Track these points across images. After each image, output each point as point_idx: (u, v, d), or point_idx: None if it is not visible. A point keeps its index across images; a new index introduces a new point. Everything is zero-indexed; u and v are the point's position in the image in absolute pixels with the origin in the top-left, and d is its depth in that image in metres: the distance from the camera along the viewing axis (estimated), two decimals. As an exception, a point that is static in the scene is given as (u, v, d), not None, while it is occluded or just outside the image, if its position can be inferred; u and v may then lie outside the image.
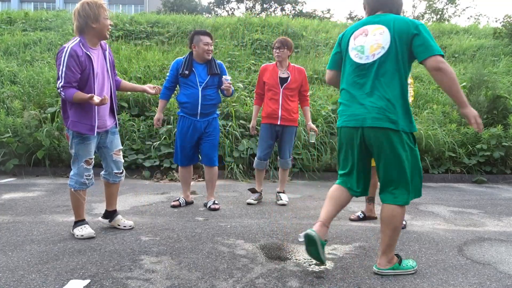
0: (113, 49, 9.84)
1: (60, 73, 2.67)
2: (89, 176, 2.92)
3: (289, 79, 4.06)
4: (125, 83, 3.17)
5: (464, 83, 7.95)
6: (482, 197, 5.08)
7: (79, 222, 2.96)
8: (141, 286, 2.11)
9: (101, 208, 3.86)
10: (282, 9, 34.11)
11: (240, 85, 7.40)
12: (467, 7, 39.49)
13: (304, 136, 6.18)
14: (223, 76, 3.78)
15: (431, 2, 28.14)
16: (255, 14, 24.83)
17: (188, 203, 4.06)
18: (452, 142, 6.50)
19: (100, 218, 3.22)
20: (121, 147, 3.13)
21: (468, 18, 38.10)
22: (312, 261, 2.54)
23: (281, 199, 4.22)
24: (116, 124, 3.06)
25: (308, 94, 4.32)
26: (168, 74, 3.93)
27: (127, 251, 2.64)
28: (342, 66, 2.48)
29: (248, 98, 7.14)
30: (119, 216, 3.18)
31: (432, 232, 3.31)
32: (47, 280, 2.15)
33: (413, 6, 35.74)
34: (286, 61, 4.13)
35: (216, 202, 3.97)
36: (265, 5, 33.98)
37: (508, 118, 6.76)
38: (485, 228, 3.52)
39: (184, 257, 2.55)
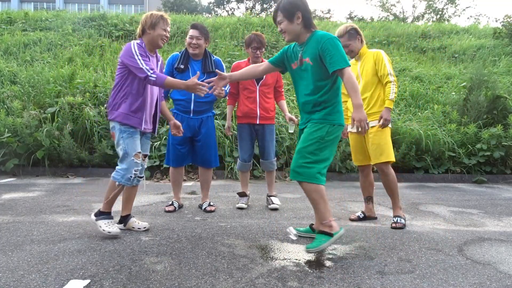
0: (113, 49, 9.85)
1: (139, 63, 2.79)
2: (138, 171, 2.92)
3: (264, 75, 3.84)
4: (163, 103, 3.32)
5: (464, 83, 7.96)
6: (482, 197, 5.08)
7: (106, 214, 2.94)
8: (141, 286, 2.11)
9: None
10: (282, 9, 34.04)
11: (240, 85, 7.39)
12: (467, 7, 39.53)
13: (289, 132, 6.15)
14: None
15: (431, 2, 28.15)
16: (255, 14, 24.83)
17: (180, 206, 3.93)
18: (452, 142, 6.50)
19: (116, 225, 3.14)
20: (148, 154, 3.22)
21: (468, 18, 38.11)
22: (312, 261, 2.54)
23: (273, 203, 3.99)
24: (153, 131, 3.15)
25: (283, 90, 4.20)
26: (164, 70, 3.84)
27: (127, 251, 2.64)
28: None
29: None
30: (133, 219, 3.15)
31: (432, 232, 3.31)
32: (47, 280, 2.15)
33: (413, 6, 35.81)
34: (261, 59, 3.93)
35: (211, 203, 3.90)
36: (265, 5, 33.97)
37: (508, 118, 6.77)
38: (485, 228, 3.52)
39: (184, 257, 2.55)
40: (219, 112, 6.50)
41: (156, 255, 2.59)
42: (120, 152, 2.91)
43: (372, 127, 3.39)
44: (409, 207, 4.33)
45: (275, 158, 4.14)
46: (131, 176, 2.89)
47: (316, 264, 2.50)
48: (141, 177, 3.02)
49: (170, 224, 3.33)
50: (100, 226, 2.88)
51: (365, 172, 3.66)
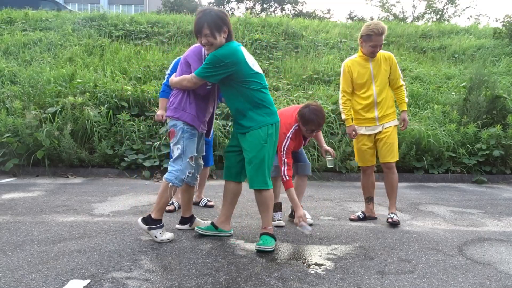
0: (113, 49, 9.85)
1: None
2: (190, 174, 2.91)
3: None
4: None
5: (464, 83, 7.96)
6: (482, 197, 5.08)
7: (158, 222, 2.87)
8: (141, 286, 2.11)
9: (101, 208, 3.87)
10: (282, 9, 34.12)
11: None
12: (467, 7, 39.51)
13: (327, 166, 6.09)
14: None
15: (431, 2, 28.14)
16: (255, 14, 24.84)
17: (179, 206, 3.92)
18: (452, 142, 6.50)
19: (177, 226, 3.20)
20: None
21: (468, 18, 38.12)
22: (312, 261, 2.54)
23: (277, 220, 3.45)
24: (208, 132, 3.17)
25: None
26: (168, 71, 3.81)
27: (127, 251, 2.64)
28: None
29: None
30: (197, 219, 3.24)
31: (432, 232, 3.31)
32: (47, 280, 2.15)
33: (413, 6, 35.79)
34: None
35: (209, 199, 4.12)
36: (265, 5, 33.97)
37: (507, 118, 6.77)
38: (485, 228, 3.52)
39: (184, 257, 2.55)
40: (218, 112, 6.51)
41: (156, 255, 2.59)
42: (176, 152, 2.86)
43: (389, 127, 3.50)
44: (409, 207, 4.33)
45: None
46: (184, 178, 2.86)
47: (316, 264, 2.50)
48: (196, 177, 3.09)
49: (170, 224, 3.33)
50: (156, 237, 2.85)
51: (368, 172, 3.67)
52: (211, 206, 4.04)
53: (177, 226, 3.21)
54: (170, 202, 3.88)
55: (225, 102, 2.95)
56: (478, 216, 3.97)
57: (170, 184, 2.82)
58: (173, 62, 3.82)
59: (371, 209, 3.70)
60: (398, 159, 3.56)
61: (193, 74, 2.74)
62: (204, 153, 3.19)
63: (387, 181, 3.59)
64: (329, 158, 3.57)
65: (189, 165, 2.86)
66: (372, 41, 3.35)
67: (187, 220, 3.19)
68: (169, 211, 3.77)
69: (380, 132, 3.51)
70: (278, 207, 3.46)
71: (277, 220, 3.41)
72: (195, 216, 3.24)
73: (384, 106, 3.48)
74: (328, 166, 3.65)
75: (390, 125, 3.50)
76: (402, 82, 3.57)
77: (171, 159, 2.91)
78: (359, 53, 3.53)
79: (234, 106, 2.81)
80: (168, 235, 2.89)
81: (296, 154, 3.52)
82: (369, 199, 3.70)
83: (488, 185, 6.08)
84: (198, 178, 3.22)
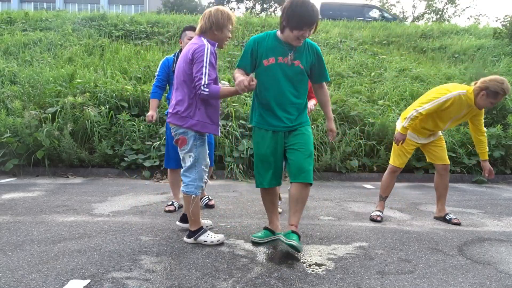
0: (113, 49, 9.85)
1: (204, 70, 2.60)
2: (206, 180, 2.89)
3: None
4: None
5: (464, 83, 7.96)
6: (482, 197, 5.08)
7: (199, 230, 2.83)
8: (141, 286, 2.11)
9: (101, 208, 3.87)
10: (282, 9, 34.05)
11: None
12: (467, 7, 39.53)
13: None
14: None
15: (431, 2, 28.15)
16: (255, 14, 24.83)
17: (180, 206, 3.93)
18: (452, 142, 6.50)
19: (177, 223, 3.14)
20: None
21: (468, 18, 38.12)
22: (312, 261, 2.54)
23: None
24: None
25: None
26: (157, 72, 3.83)
27: (127, 251, 2.64)
28: None
29: (248, 98, 7.14)
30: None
31: (432, 232, 3.31)
32: (47, 280, 2.15)
33: (413, 6, 35.81)
34: None
35: (210, 197, 4.06)
36: (265, 5, 33.95)
37: (507, 118, 6.77)
38: (485, 228, 3.52)
39: (184, 257, 2.55)
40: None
41: (156, 255, 2.59)
42: (189, 160, 2.77)
43: (441, 135, 3.74)
44: (409, 207, 4.33)
45: None
46: (202, 185, 2.82)
47: (316, 264, 2.50)
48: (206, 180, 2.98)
49: (170, 224, 3.33)
50: (205, 241, 2.80)
51: (396, 174, 3.75)
52: (211, 206, 3.98)
53: (177, 222, 3.16)
54: (170, 203, 3.87)
55: (290, 97, 2.69)
56: (478, 216, 3.97)
57: (193, 195, 2.76)
58: (161, 63, 3.84)
59: (384, 207, 3.82)
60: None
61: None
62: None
63: (443, 182, 3.70)
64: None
65: (204, 171, 2.81)
66: (497, 99, 3.27)
67: (186, 217, 3.11)
68: (169, 211, 3.77)
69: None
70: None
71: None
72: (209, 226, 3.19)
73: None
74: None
75: (440, 134, 3.72)
76: (484, 129, 3.58)
77: (184, 169, 2.81)
78: (469, 94, 3.29)
79: (298, 100, 2.72)
80: (216, 237, 2.82)
81: None
82: (386, 198, 3.80)
83: (488, 185, 6.08)
84: (208, 181, 3.08)
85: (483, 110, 3.47)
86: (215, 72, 2.69)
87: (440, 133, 3.70)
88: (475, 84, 3.32)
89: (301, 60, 2.68)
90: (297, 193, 2.66)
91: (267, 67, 2.68)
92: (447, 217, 3.66)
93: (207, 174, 2.95)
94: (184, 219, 3.14)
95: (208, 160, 2.87)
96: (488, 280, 2.32)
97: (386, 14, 16.34)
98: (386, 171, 3.77)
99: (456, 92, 3.30)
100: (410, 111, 3.42)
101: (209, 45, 2.68)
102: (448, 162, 3.73)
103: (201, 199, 3.95)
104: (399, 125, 3.58)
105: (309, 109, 3.64)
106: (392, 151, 3.75)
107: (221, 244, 2.83)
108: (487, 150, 3.61)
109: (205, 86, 2.59)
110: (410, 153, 3.70)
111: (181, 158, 2.84)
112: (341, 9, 15.97)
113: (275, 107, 2.70)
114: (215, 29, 2.73)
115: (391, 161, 3.74)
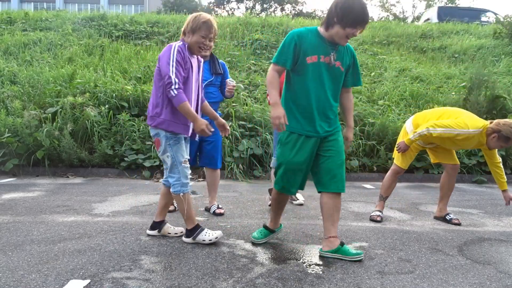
0: (113, 49, 9.85)
1: (171, 68, 2.57)
2: (189, 175, 2.83)
3: None
4: (206, 104, 3.03)
5: (464, 83, 7.96)
6: (482, 197, 5.08)
7: (196, 228, 2.82)
8: (141, 286, 2.11)
9: (101, 208, 3.87)
10: (282, 9, 34.13)
11: (240, 85, 7.41)
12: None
13: None
14: (227, 79, 3.65)
15: (431, 2, 28.15)
16: (255, 14, 24.82)
17: None
18: (452, 142, 6.50)
19: (148, 231, 3.05)
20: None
21: (468, 18, 38.08)
22: (312, 261, 2.54)
23: (297, 199, 4.22)
24: (194, 135, 2.92)
25: None
26: None
27: (127, 251, 2.64)
28: None
29: (248, 98, 7.14)
30: (167, 224, 3.04)
31: (432, 232, 3.31)
32: (47, 280, 2.15)
33: (413, 6, 35.82)
34: None
35: (220, 206, 3.84)
36: (265, 5, 33.97)
37: (507, 118, 6.77)
38: (485, 228, 3.52)
39: (184, 257, 2.55)
40: (218, 113, 6.51)
41: (156, 255, 2.59)
42: (168, 161, 2.77)
43: None
44: (409, 207, 4.33)
45: None
46: (187, 182, 2.79)
47: (316, 264, 2.50)
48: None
49: (170, 224, 3.32)
50: (204, 240, 2.79)
51: (400, 175, 3.78)
52: (220, 214, 3.73)
53: (147, 231, 3.04)
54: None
55: (330, 99, 2.60)
56: (478, 216, 3.97)
57: (181, 194, 2.76)
58: None
59: (383, 207, 3.82)
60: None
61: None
62: (210, 154, 3.05)
63: (450, 183, 3.71)
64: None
65: (186, 168, 2.79)
66: (507, 144, 3.27)
67: (157, 225, 3.00)
68: (169, 211, 3.70)
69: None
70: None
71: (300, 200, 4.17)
72: (166, 221, 3.06)
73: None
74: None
75: None
76: (499, 159, 3.55)
77: (167, 170, 2.82)
78: (483, 133, 3.30)
79: (335, 103, 2.63)
80: (214, 234, 2.81)
81: None
82: (387, 198, 3.80)
83: (488, 185, 6.08)
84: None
85: (495, 152, 3.51)
86: (185, 72, 2.65)
87: None
88: (491, 123, 3.31)
89: (341, 61, 2.55)
90: (332, 204, 2.59)
91: (310, 65, 2.49)
92: (447, 217, 3.66)
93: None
94: (153, 226, 3.02)
95: (187, 156, 2.83)
96: (488, 280, 2.32)
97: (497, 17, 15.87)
98: (389, 172, 3.76)
99: (472, 130, 3.28)
100: (424, 122, 3.45)
101: (178, 44, 2.67)
102: (458, 162, 3.71)
103: (210, 207, 3.85)
104: (409, 128, 3.59)
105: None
106: (397, 152, 3.73)
107: (220, 243, 2.83)
108: (505, 179, 3.53)
109: (176, 89, 2.56)
110: (415, 154, 3.73)
111: (162, 160, 2.84)
112: (460, 14, 15.88)
113: (315, 111, 2.53)
114: (188, 31, 2.71)
115: (397, 162, 3.68)
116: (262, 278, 2.25)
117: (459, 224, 3.57)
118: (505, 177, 3.54)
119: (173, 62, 2.59)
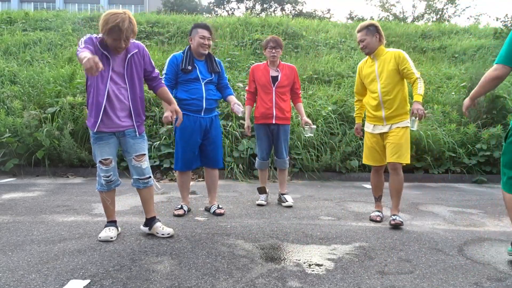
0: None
1: (78, 49, 2.56)
2: (108, 177, 2.82)
3: (279, 77, 4.06)
4: (164, 90, 3.05)
5: (464, 83, 7.96)
6: (482, 197, 5.08)
7: (108, 223, 2.99)
8: (141, 286, 2.11)
9: (101, 208, 3.86)
10: (282, 9, 34.12)
11: (240, 85, 7.40)
12: (467, 7, 39.52)
13: (304, 136, 6.17)
14: (235, 105, 3.66)
15: (431, 2, 28.14)
16: (255, 14, 24.83)
17: (188, 210, 3.80)
18: (452, 142, 6.50)
19: (141, 227, 3.09)
20: (144, 153, 2.92)
21: (468, 18, 38.10)
22: (312, 261, 2.54)
23: (286, 201, 4.13)
24: (135, 128, 2.86)
25: (300, 92, 4.36)
26: (165, 71, 3.66)
27: (127, 251, 2.64)
28: None
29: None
30: (158, 223, 3.01)
31: (432, 232, 3.31)
32: (47, 280, 2.15)
33: (413, 6, 35.78)
34: (277, 60, 4.13)
35: (220, 206, 3.80)
36: (265, 5, 33.97)
37: (507, 118, 6.76)
38: (485, 228, 3.52)
39: (184, 257, 2.55)
40: (219, 111, 6.51)
41: (156, 255, 2.59)
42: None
43: (397, 127, 3.39)
44: (409, 207, 4.33)
45: (288, 157, 4.27)
46: (103, 182, 2.84)
47: (316, 264, 2.50)
48: (112, 181, 2.88)
49: (170, 224, 3.33)
50: (100, 237, 2.88)
51: (380, 172, 3.67)
52: (220, 214, 3.70)
53: (141, 227, 3.11)
54: (179, 206, 3.73)
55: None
56: (478, 216, 3.97)
57: (97, 190, 2.93)
58: (168, 60, 3.71)
59: (381, 207, 3.77)
60: (407, 162, 3.41)
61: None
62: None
63: (390, 182, 3.51)
64: (306, 127, 4.14)
65: (101, 169, 2.81)
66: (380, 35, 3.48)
67: (148, 222, 3.03)
68: (178, 215, 3.63)
69: (387, 132, 3.45)
70: (263, 190, 4.24)
71: (260, 200, 4.21)
72: (157, 220, 3.04)
73: (393, 106, 3.39)
74: (306, 135, 4.38)
75: (399, 125, 3.39)
76: (417, 75, 3.34)
77: None
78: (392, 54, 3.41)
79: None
80: (103, 234, 2.86)
81: (276, 149, 4.19)
82: (380, 198, 3.74)
83: (488, 185, 6.08)
84: (150, 181, 2.97)
85: (404, 63, 3.35)
86: (91, 50, 2.55)
87: (396, 125, 3.41)
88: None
89: None
90: None
91: None
92: (391, 218, 3.47)
93: (110, 182, 2.88)
94: (146, 223, 3.05)
95: (108, 155, 2.81)
96: (488, 280, 2.32)
97: None
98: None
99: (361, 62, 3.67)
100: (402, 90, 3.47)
101: (93, 36, 2.70)
102: (394, 160, 3.36)
103: (210, 207, 3.82)
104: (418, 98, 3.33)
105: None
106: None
107: (220, 243, 2.83)
108: (419, 92, 3.28)
109: (81, 47, 2.52)
110: (373, 148, 3.54)
111: None
112: None
113: None
114: (100, 29, 2.68)
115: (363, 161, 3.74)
116: (262, 278, 2.25)
117: (395, 226, 3.37)
118: (419, 90, 3.29)
119: (81, 43, 2.60)
